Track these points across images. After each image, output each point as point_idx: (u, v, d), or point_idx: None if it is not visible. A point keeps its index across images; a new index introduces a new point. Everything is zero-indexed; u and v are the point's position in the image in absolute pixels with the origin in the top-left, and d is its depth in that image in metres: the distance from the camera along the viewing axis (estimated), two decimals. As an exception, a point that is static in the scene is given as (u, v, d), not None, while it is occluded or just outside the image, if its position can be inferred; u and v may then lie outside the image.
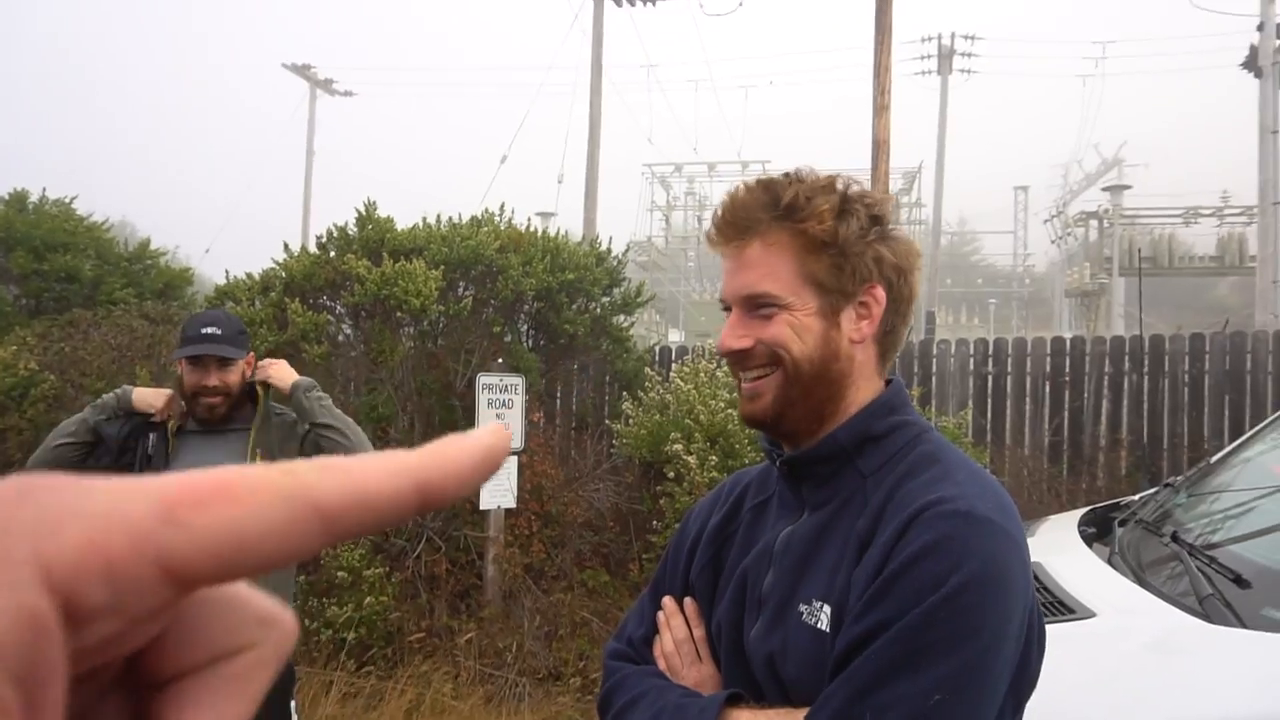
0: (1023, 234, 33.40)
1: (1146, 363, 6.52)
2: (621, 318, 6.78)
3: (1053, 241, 27.08)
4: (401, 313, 5.49)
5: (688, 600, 1.18)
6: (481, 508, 4.93)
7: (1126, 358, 6.68)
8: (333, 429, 2.66)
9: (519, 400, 4.97)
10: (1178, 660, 1.91)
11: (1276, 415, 3.10)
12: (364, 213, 6.12)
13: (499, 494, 4.86)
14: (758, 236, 1.05)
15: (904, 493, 0.99)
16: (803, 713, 0.95)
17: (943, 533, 0.92)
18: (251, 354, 2.76)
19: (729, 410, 5.17)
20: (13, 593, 0.18)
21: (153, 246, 9.44)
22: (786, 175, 1.08)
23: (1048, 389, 6.75)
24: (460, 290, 5.92)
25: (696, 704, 1.03)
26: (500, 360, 5.39)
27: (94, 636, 0.20)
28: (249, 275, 6.15)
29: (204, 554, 0.20)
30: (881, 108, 7.97)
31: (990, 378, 6.92)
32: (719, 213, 1.09)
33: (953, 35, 21.61)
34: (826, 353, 1.05)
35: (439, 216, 6.32)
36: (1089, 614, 2.08)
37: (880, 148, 7.92)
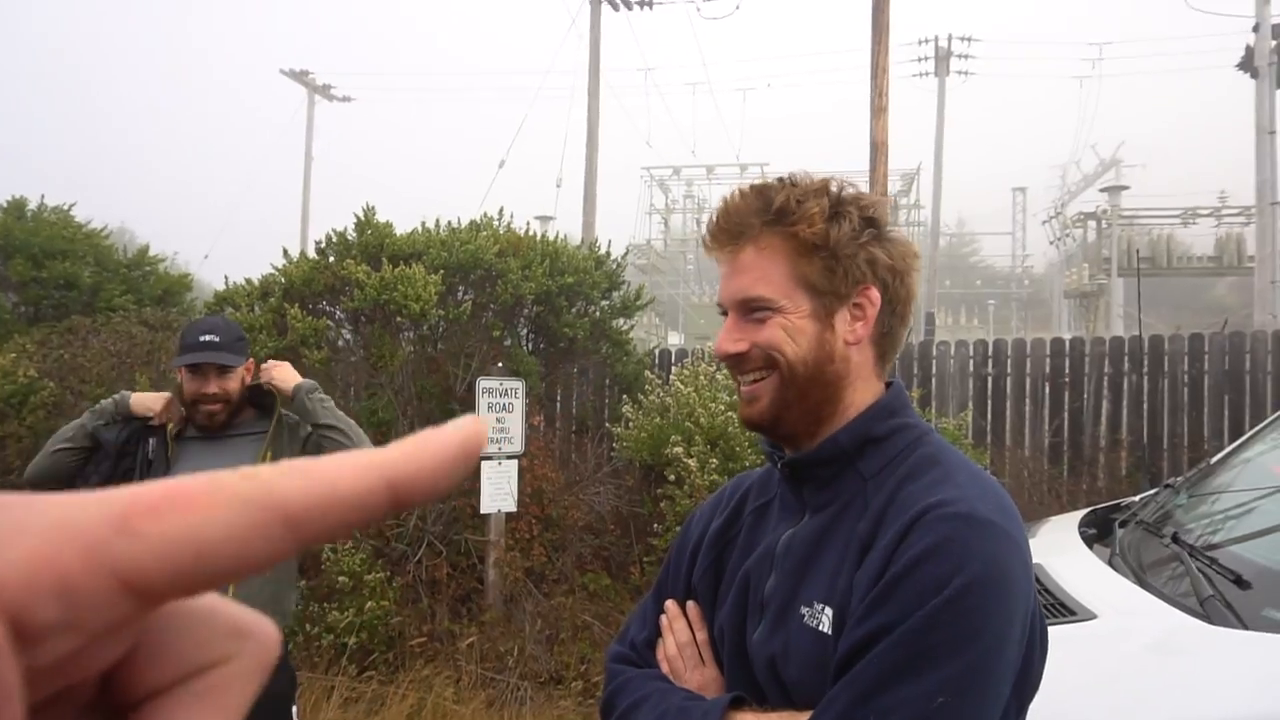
0: (1021, 235, 33.51)
1: (1146, 363, 6.52)
2: (621, 321, 6.78)
3: (1051, 242, 27.10)
4: (401, 317, 5.50)
5: (690, 603, 1.18)
6: (482, 511, 4.92)
7: (1126, 358, 6.69)
8: (335, 429, 2.66)
9: (519, 404, 4.97)
10: (1179, 661, 1.91)
11: (1276, 415, 3.10)
12: (363, 218, 6.13)
13: (499, 498, 4.86)
14: (750, 241, 1.06)
15: (905, 495, 0.99)
16: (805, 715, 0.95)
17: (944, 535, 0.92)
18: (251, 360, 2.76)
19: (729, 413, 5.16)
20: None
21: (151, 253, 9.41)
22: (780, 180, 1.09)
23: (1047, 390, 6.75)
24: (460, 294, 5.92)
25: (700, 707, 1.03)
26: (500, 364, 5.40)
27: (50, 655, 0.19)
28: (248, 281, 6.15)
29: (162, 563, 0.19)
30: (879, 109, 7.97)
31: (990, 379, 6.93)
32: (714, 219, 1.10)
33: (949, 37, 21.69)
34: (821, 355, 1.05)
35: (438, 221, 6.33)
36: (1090, 615, 2.08)
37: (878, 149, 7.92)
